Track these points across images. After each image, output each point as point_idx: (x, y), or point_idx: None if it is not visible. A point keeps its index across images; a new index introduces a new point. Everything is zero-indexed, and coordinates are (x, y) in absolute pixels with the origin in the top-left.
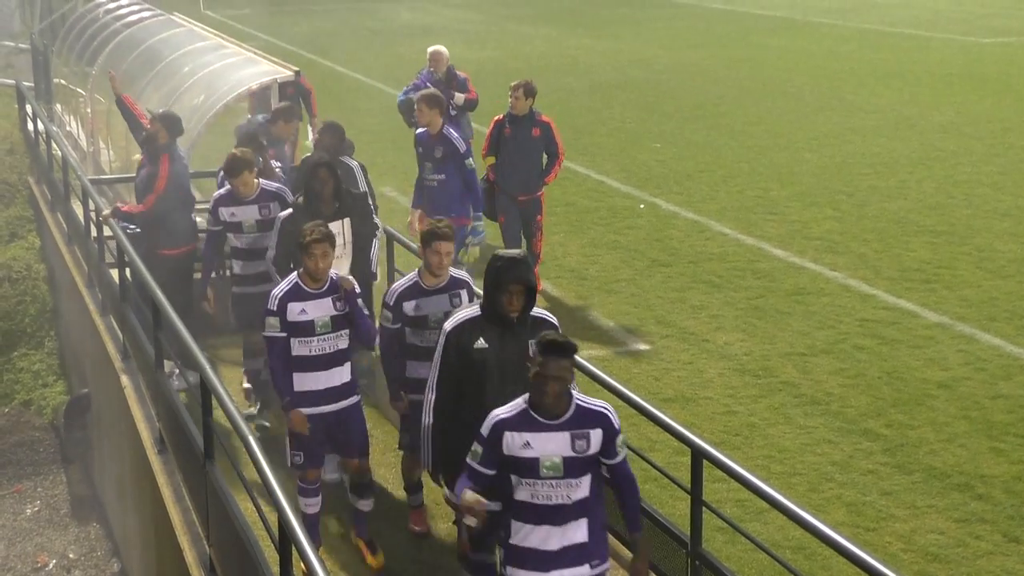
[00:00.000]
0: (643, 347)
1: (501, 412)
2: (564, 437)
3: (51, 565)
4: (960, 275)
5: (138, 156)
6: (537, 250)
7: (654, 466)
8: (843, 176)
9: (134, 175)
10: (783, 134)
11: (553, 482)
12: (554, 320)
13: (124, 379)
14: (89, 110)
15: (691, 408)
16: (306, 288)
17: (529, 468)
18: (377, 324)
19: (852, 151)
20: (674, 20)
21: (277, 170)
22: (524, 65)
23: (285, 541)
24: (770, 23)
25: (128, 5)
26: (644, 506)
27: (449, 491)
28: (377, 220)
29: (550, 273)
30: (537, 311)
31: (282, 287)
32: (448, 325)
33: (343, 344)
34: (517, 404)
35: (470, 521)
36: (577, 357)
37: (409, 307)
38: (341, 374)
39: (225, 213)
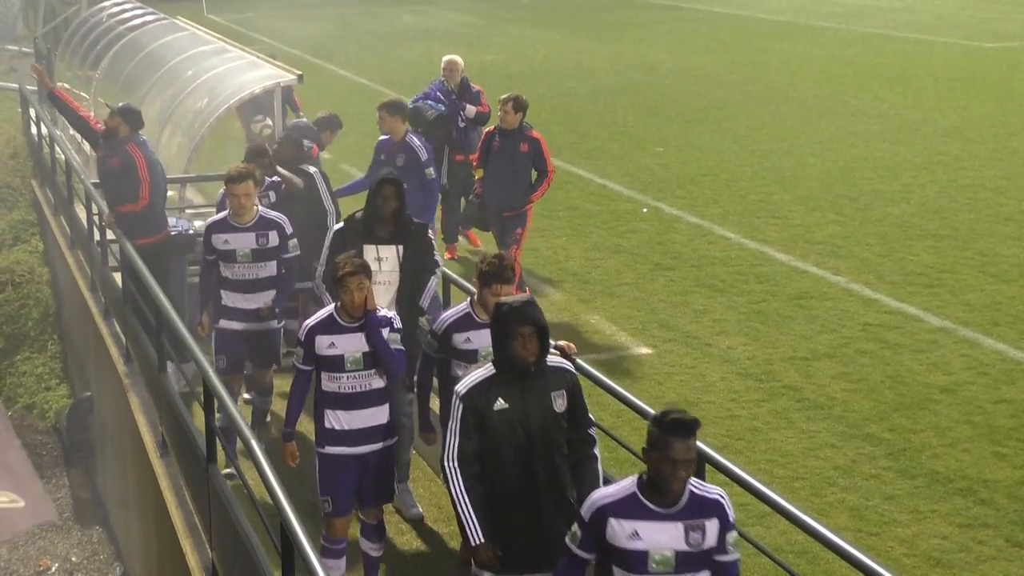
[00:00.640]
0: (645, 351)
1: (605, 495)
2: (677, 528)
3: (53, 569)
4: (963, 279)
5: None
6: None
7: None
8: (846, 180)
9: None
10: (786, 138)
11: None
12: (572, 368)
13: (127, 382)
14: (92, 114)
15: (693, 412)
16: (340, 321)
17: (637, 562)
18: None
19: (855, 155)
20: (677, 24)
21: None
22: (527, 69)
23: (287, 545)
24: (773, 27)
25: (131, 9)
26: None
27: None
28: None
29: (552, 277)
30: (554, 360)
31: (317, 316)
32: (460, 389)
33: (378, 383)
34: (624, 486)
35: None
36: (579, 360)
37: (459, 339)
38: (376, 415)
39: (218, 240)
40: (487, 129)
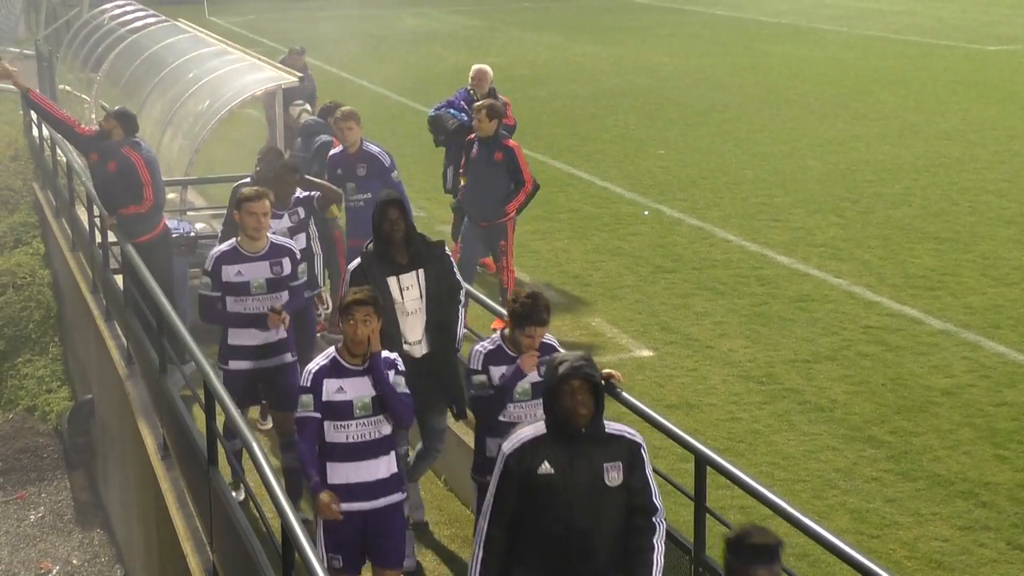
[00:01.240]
0: (647, 353)
1: None
2: None
3: (55, 571)
4: (964, 282)
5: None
6: (506, 284)
7: (658, 473)
8: (847, 183)
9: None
10: (787, 141)
11: None
12: (639, 439)
13: (128, 385)
14: (94, 116)
15: (695, 414)
16: (345, 363)
17: None
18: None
19: (856, 158)
20: (679, 27)
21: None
22: (528, 72)
23: (288, 547)
24: (775, 30)
25: (133, 11)
26: None
27: None
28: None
29: (553, 279)
30: (616, 427)
31: (319, 360)
32: (507, 447)
33: (386, 430)
34: None
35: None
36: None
37: (496, 373)
38: (382, 466)
39: (229, 272)
40: (469, 136)
